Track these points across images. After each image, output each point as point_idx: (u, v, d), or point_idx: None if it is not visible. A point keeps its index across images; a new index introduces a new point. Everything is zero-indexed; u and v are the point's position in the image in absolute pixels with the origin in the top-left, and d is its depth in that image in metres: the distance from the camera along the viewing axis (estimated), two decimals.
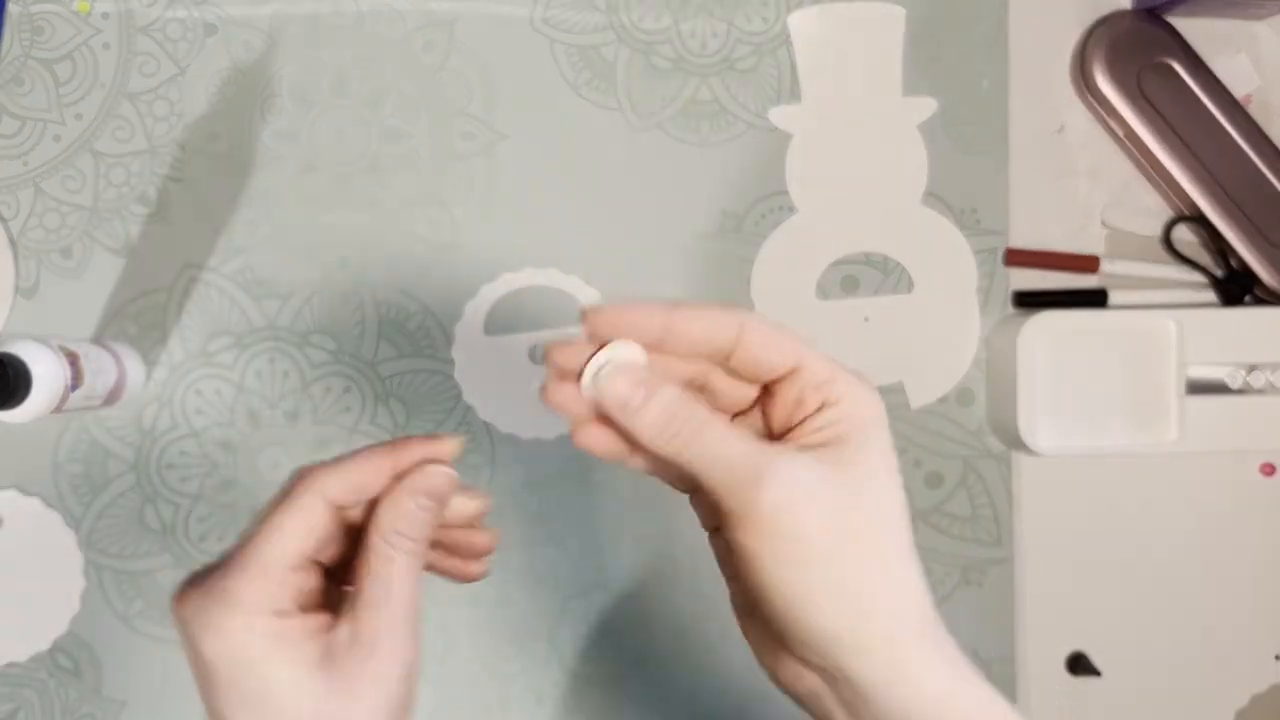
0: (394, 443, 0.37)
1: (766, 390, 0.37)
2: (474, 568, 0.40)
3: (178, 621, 0.35)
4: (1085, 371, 0.61)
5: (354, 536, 0.37)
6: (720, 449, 0.34)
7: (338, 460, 0.36)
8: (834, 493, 0.33)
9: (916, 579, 0.35)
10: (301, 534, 0.35)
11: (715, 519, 0.35)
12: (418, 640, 0.35)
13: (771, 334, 0.35)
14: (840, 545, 0.33)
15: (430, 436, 0.38)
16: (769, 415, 0.37)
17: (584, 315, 0.35)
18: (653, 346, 0.35)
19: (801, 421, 0.35)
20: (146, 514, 0.62)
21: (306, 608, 0.36)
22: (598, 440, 0.36)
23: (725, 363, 0.36)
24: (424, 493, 0.36)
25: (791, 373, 0.35)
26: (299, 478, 0.36)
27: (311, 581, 0.37)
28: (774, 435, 0.37)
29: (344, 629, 0.35)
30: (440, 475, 0.37)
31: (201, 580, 0.35)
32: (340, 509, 0.36)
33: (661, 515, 0.62)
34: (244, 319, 0.62)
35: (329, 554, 0.38)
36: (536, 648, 0.62)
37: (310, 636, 0.35)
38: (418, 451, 0.37)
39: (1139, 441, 0.61)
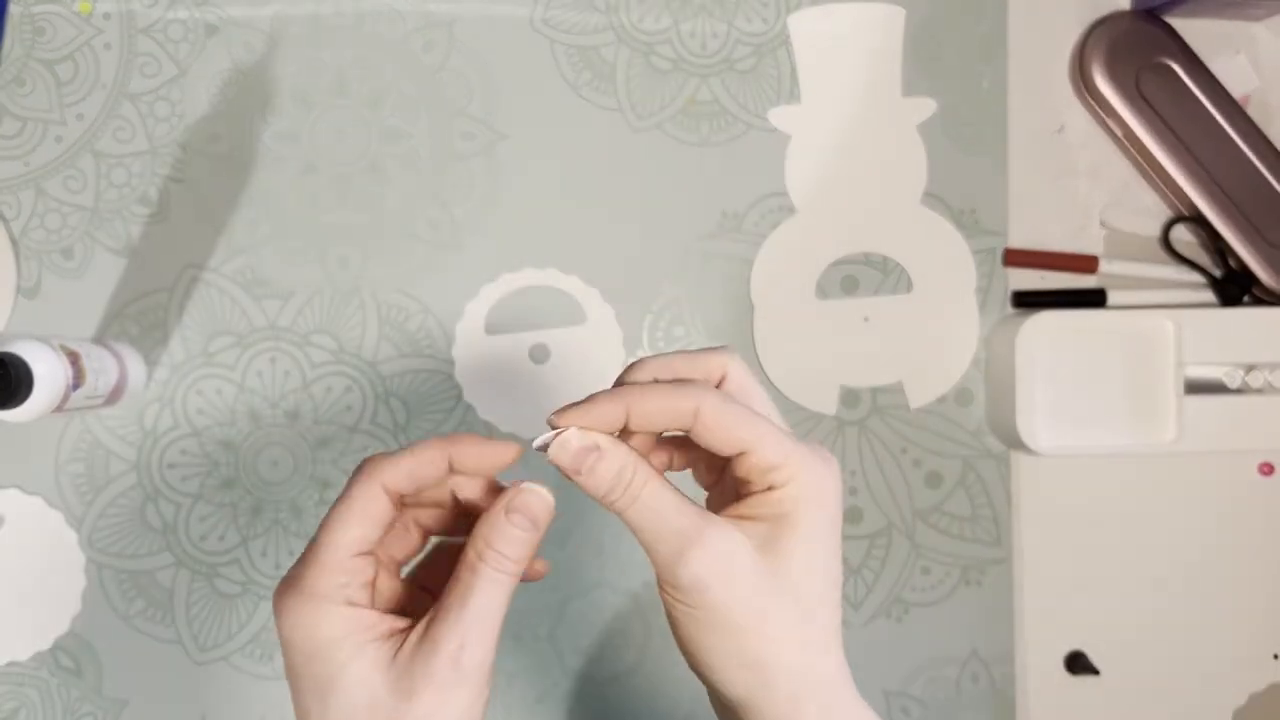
0: (451, 436, 0.38)
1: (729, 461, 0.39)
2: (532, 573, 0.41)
3: (274, 613, 0.37)
4: (1084, 371, 0.62)
5: (452, 554, 0.38)
6: (656, 513, 0.36)
7: (397, 451, 0.38)
8: (753, 571, 0.36)
9: (828, 652, 0.37)
10: (360, 521, 0.36)
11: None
12: (489, 653, 0.35)
13: (723, 418, 0.36)
14: (751, 622, 0.36)
15: (488, 439, 0.39)
16: (726, 485, 0.39)
17: (552, 422, 0.38)
18: (624, 433, 0.37)
19: (747, 496, 0.37)
20: (148, 513, 0.62)
21: (387, 607, 0.38)
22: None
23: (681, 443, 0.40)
24: (520, 511, 0.37)
25: (742, 454, 0.36)
26: (359, 469, 0.37)
27: (388, 581, 0.38)
28: (718, 498, 0.40)
29: (417, 631, 0.35)
30: (539, 499, 0.37)
31: (289, 573, 0.37)
32: (400, 496, 0.37)
33: None
34: (245, 319, 0.62)
35: (404, 549, 0.40)
36: (536, 647, 0.62)
37: (384, 634, 0.36)
38: (472, 448, 0.38)
39: (1138, 441, 0.62)
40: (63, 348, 0.53)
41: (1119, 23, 0.62)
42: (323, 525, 0.37)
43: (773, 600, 0.36)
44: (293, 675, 0.36)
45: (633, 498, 0.36)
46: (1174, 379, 0.61)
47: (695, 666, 0.38)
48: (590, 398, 0.37)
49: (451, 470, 0.38)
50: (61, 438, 0.62)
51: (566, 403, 0.37)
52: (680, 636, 0.37)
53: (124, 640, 0.61)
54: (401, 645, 0.35)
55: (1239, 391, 0.61)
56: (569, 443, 0.37)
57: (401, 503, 0.38)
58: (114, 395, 0.58)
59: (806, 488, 0.36)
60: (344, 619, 0.35)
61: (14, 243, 0.62)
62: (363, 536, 0.36)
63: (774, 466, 0.36)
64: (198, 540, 0.62)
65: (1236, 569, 0.64)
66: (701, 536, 0.35)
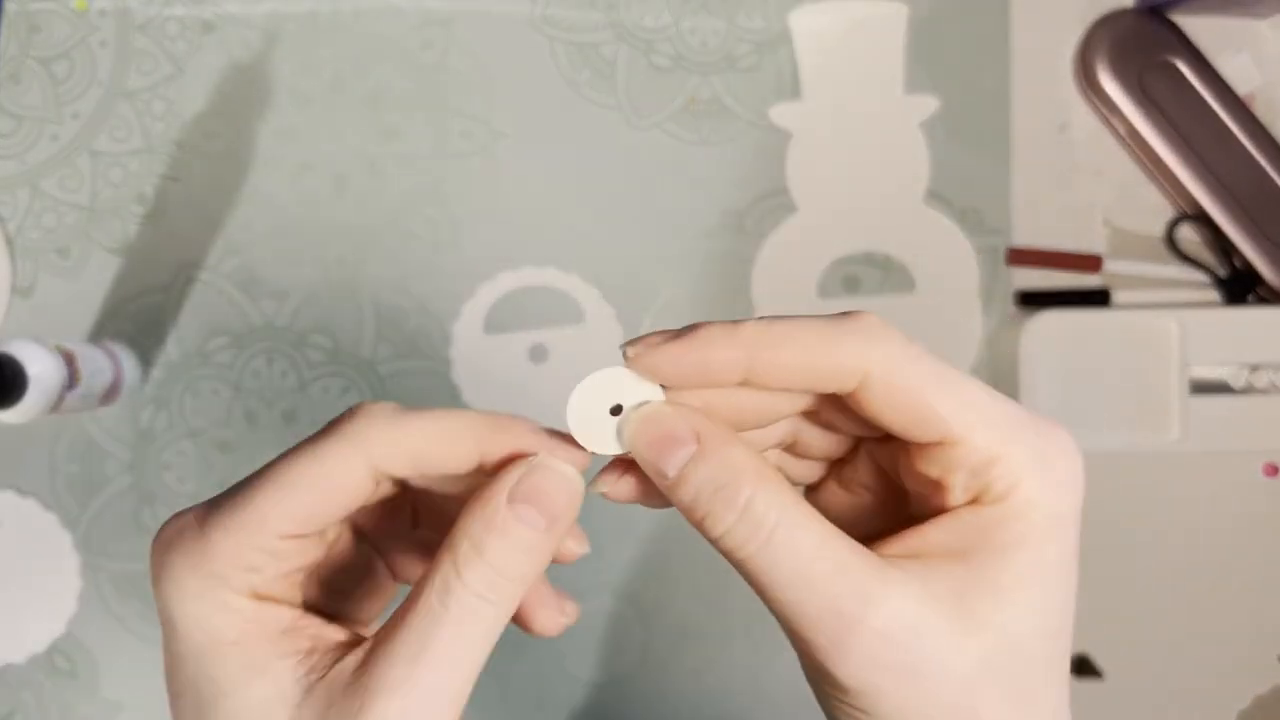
0: (494, 416, 0.26)
1: (882, 442, 0.26)
2: (546, 618, 0.29)
3: (151, 570, 0.26)
4: (1087, 371, 0.61)
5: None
6: (796, 569, 0.23)
7: (406, 415, 0.25)
8: (955, 652, 0.23)
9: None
10: (313, 492, 0.25)
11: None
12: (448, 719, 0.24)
13: (913, 387, 0.24)
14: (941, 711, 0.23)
15: (550, 430, 0.26)
16: (878, 479, 0.27)
17: (630, 356, 0.25)
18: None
19: (929, 515, 0.24)
20: (144, 515, 0.61)
21: (317, 601, 0.28)
22: (623, 490, 0.26)
23: (822, 406, 0.26)
24: (531, 501, 0.25)
25: (937, 444, 0.24)
26: (348, 416, 0.26)
27: (334, 558, 0.28)
28: (880, 511, 0.27)
29: (351, 660, 0.24)
30: (560, 482, 0.25)
31: (185, 519, 0.26)
32: (389, 479, 0.26)
33: (662, 515, 0.62)
34: (241, 319, 0.62)
35: (377, 522, 0.28)
36: (536, 649, 0.62)
37: (304, 650, 0.25)
38: (529, 440, 0.26)
39: (1141, 441, 0.61)
40: (58, 348, 0.53)
41: (1123, 20, 0.62)
42: (261, 472, 0.25)
43: (984, 694, 0.23)
44: (169, 667, 0.26)
45: (755, 537, 0.23)
46: (1178, 379, 0.61)
47: None
48: (692, 330, 0.24)
49: (482, 470, 0.26)
50: (57, 439, 0.61)
51: (649, 333, 0.25)
52: None
53: (120, 643, 0.61)
54: (327, 672, 0.24)
55: (1244, 392, 0.61)
56: (652, 421, 0.24)
57: (399, 484, 0.27)
58: (109, 396, 0.58)
59: (1041, 500, 0.23)
60: (245, 617, 0.25)
61: (9, 242, 0.61)
62: (308, 515, 0.25)
63: (991, 461, 0.24)
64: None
65: (1241, 570, 0.63)
66: (871, 609, 0.23)
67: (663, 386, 0.25)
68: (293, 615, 0.26)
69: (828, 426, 0.27)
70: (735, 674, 0.62)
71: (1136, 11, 0.62)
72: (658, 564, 0.62)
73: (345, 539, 0.29)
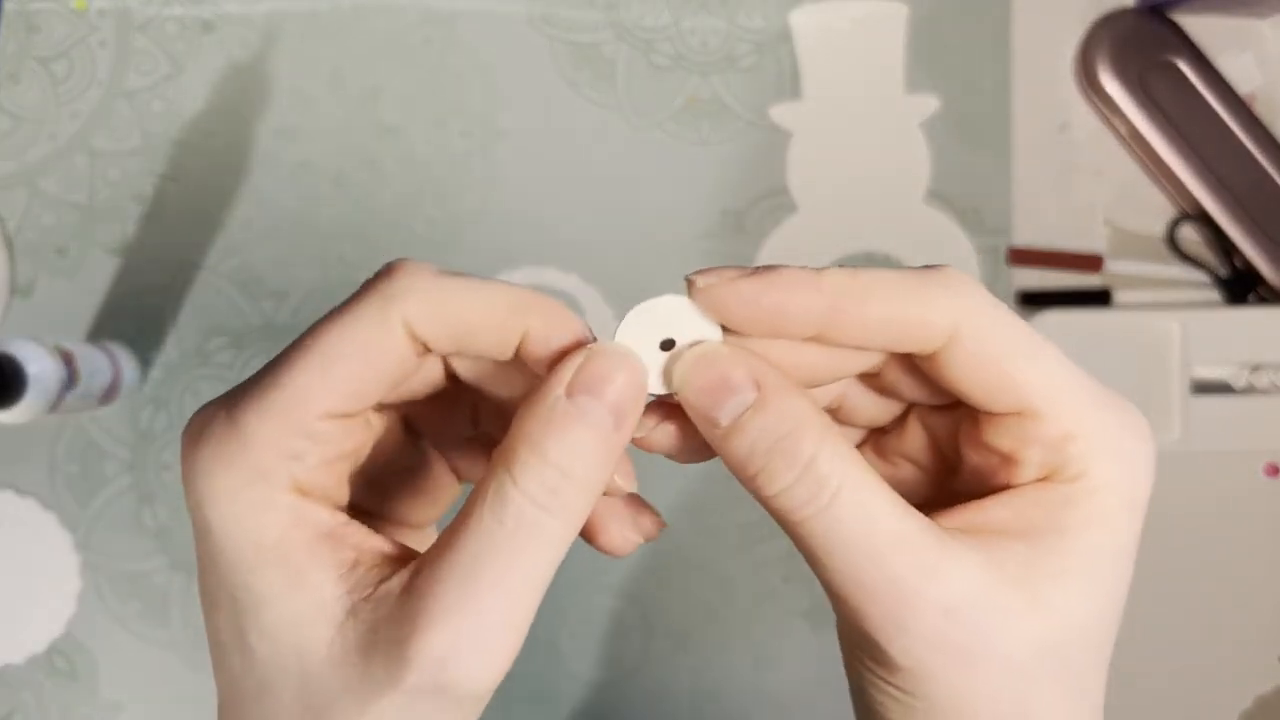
0: (538, 294, 0.23)
1: (942, 410, 0.24)
2: (618, 533, 0.25)
3: (182, 468, 0.23)
4: (1089, 371, 0.61)
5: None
6: (855, 538, 0.21)
7: (447, 274, 0.23)
8: (1017, 639, 0.22)
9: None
10: (355, 360, 0.22)
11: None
12: (499, 667, 0.21)
13: (1001, 353, 0.22)
14: (996, 702, 0.22)
15: (582, 330, 0.24)
16: (929, 450, 0.25)
17: (699, 286, 0.23)
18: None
19: (994, 490, 0.23)
20: (143, 515, 0.61)
21: (365, 502, 0.25)
22: (660, 438, 0.24)
23: (888, 368, 0.24)
24: (591, 391, 0.22)
25: (1016, 415, 0.22)
26: (385, 274, 0.23)
27: (383, 453, 0.25)
28: (921, 485, 0.26)
29: (396, 580, 0.22)
30: (628, 365, 0.22)
31: (215, 410, 0.23)
32: (427, 348, 0.23)
33: (663, 515, 0.61)
34: (241, 318, 0.62)
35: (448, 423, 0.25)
36: (536, 649, 0.62)
37: (349, 560, 0.22)
38: (572, 326, 0.23)
39: None
40: (57, 348, 0.53)
41: (1124, 20, 0.61)
42: (293, 346, 0.23)
43: (1039, 683, 0.22)
44: (205, 577, 0.23)
45: (817, 499, 0.21)
46: (1179, 379, 0.60)
47: None
48: (770, 270, 0.22)
49: (519, 356, 0.23)
50: (56, 439, 0.61)
51: (725, 266, 0.22)
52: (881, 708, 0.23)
53: (120, 643, 0.61)
54: (373, 591, 0.21)
55: (1245, 392, 0.61)
56: (710, 362, 0.22)
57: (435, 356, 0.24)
58: (108, 396, 0.57)
59: (1116, 483, 0.22)
60: (287, 517, 0.22)
61: (8, 242, 0.61)
62: (351, 387, 0.22)
63: (1068, 438, 0.22)
64: (194, 543, 0.61)
65: (1242, 570, 0.63)
66: (936, 584, 0.21)
67: (723, 329, 0.23)
68: (334, 518, 0.23)
69: (884, 390, 0.25)
70: (736, 674, 0.62)
71: (1137, 11, 0.62)
72: (659, 563, 0.62)
73: (394, 432, 0.26)
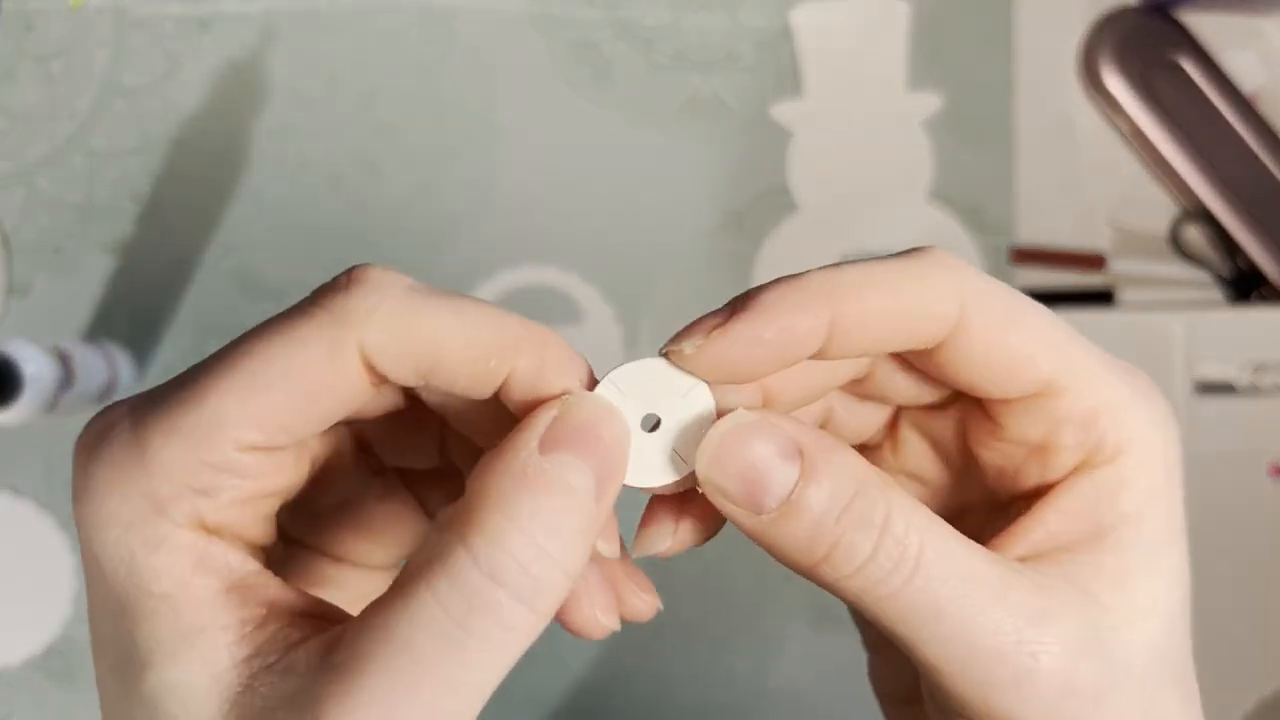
0: (529, 323, 0.20)
1: (937, 410, 0.22)
2: (588, 610, 0.21)
3: (73, 489, 0.19)
4: None
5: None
6: (953, 595, 0.18)
7: (420, 293, 0.20)
8: (1126, 649, 0.20)
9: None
10: (290, 389, 0.18)
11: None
12: None
13: (1012, 330, 0.19)
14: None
15: (574, 354, 0.20)
16: (931, 459, 0.22)
17: (686, 355, 0.19)
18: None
19: (1034, 487, 0.20)
20: None
21: (305, 536, 0.21)
22: (684, 540, 0.21)
23: (879, 369, 0.21)
24: (571, 446, 0.18)
25: (1035, 399, 0.20)
26: (343, 285, 0.20)
27: (329, 479, 0.21)
28: (944, 489, 0.23)
29: (304, 651, 0.18)
30: (612, 418, 0.19)
31: (123, 409, 0.19)
32: (385, 379, 0.19)
33: None
34: (238, 318, 0.61)
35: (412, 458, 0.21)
36: (537, 651, 0.62)
37: (254, 618, 0.18)
38: (572, 367, 0.19)
39: None
40: (53, 348, 0.52)
41: (1127, 18, 0.61)
42: (218, 356, 0.19)
43: (1162, 693, 0.21)
44: (92, 612, 0.20)
45: (901, 568, 0.18)
46: (1182, 379, 0.60)
47: None
48: (751, 304, 0.19)
49: (499, 395, 0.19)
50: (52, 440, 0.61)
51: (692, 323, 0.19)
52: None
53: None
54: (279, 659, 0.18)
55: (1248, 392, 0.61)
56: (740, 439, 0.18)
57: (403, 390, 0.20)
58: (105, 396, 0.57)
59: (1153, 446, 0.20)
60: (184, 560, 0.18)
61: (5, 241, 0.61)
62: (281, 418, 0.18)
63: (1097, 410, 0.20)
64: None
65: (1246, 572, 0.63)
66: (1048, 636, 0.19)
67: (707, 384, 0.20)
68: (244, 565, 0.19)
69: (873, 396, 0.22)
70: (737, 674, 0.61)
71: (1141, 9, 0.62)
72: (660, 566, 0.62)
73: (343, 455, 0.22)
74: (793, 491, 0.18)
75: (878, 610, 0.18)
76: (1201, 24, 0.62)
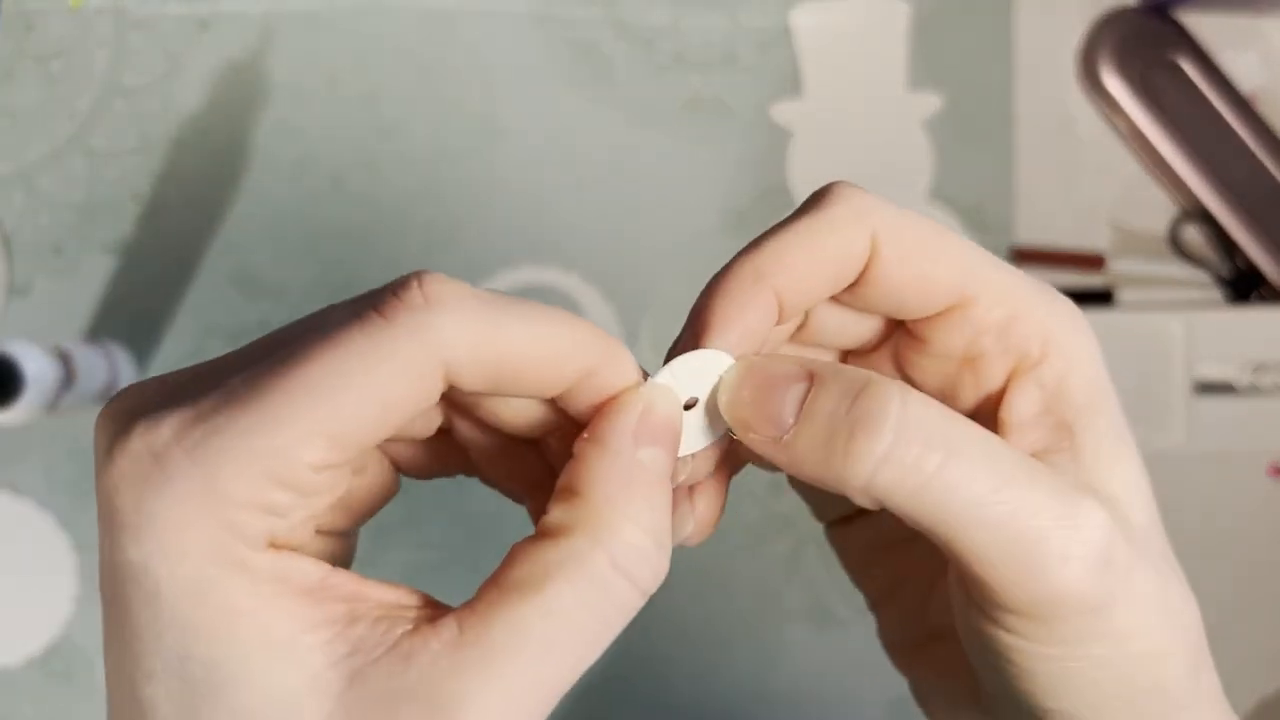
0: (604, 335, 0.22)
1: (907, 333, 0.23)
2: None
3: (114, 493, 0.19)
4: None
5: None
6: (990, 486, 0.19)
7: (494, 303, 0.19)
8: (1119, 524, 0.21)
9: (1205, 660, 0.24)
10: (371, 403, 0.18)
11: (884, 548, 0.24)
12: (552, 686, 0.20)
13: (918, 244, 0.21)
14: (1157, 649, 0.22)
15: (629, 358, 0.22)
16: (920, 382, 0.23)
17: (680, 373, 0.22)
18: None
19: (974, 410, 0.22)
20: None
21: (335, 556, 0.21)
22: (711, 511, 0.23)
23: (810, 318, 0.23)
24: (657, 441, 0.20)
25: (955, 310, 0.21)
26: (415, 295, 0.20)
27: (362, 484, 0.22)
28: None
29: (427, 636, 0.19)
30: (676, 410, 0.21)
31: (166, 427, 0.19)
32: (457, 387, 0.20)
33: None
34: (238, 318, 0.61)
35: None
36: None
37: (340, 617, 0.18)
38: (630, 367, 0.21)
39: (1145, 442, 0.61)
40: (54, 348, 0.52)
41: (1126, 18, 0.61)
42: (286, 366, 0.19)
43: (1158, 563, 0.22)
44: (137, 637, 0.19)
45: (927, 459, 0.19)
46: (1182, 379, 0.60)
47: (1024, 709, 0.22)
48: (710, 295, 0.22)
49: (557, 401, 0.21)
50: (53, 439, 0.61)
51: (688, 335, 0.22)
52: (1026, 694, 0.21)
53: None
54: (385, 651, 0.18)
55: (1248, 392, 0.61)
56: (750, 369, 0.21)
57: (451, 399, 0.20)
58: (105, 396, 0.57)
59: (1077, 347, 0.21)
60: (261, 577, 0.18)
61: (5, 242, 0.61)
62: (359, 434, 0.18)
63: (1012, 318, 0.21)
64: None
65: (1246, 572, 0.63)
66: (1080, 523, 0.20)
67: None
68: (318, 569, 0.19)
69: (813, 343, 0.23)
70: (737, 675, 0.61)
71: (1140, 9, 0.62)
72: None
73: (374, 456, 0.23)
74: (804, 399, 0.20)
75: (915, 504, 0.19)
76: (1201, 24, 0.62)
